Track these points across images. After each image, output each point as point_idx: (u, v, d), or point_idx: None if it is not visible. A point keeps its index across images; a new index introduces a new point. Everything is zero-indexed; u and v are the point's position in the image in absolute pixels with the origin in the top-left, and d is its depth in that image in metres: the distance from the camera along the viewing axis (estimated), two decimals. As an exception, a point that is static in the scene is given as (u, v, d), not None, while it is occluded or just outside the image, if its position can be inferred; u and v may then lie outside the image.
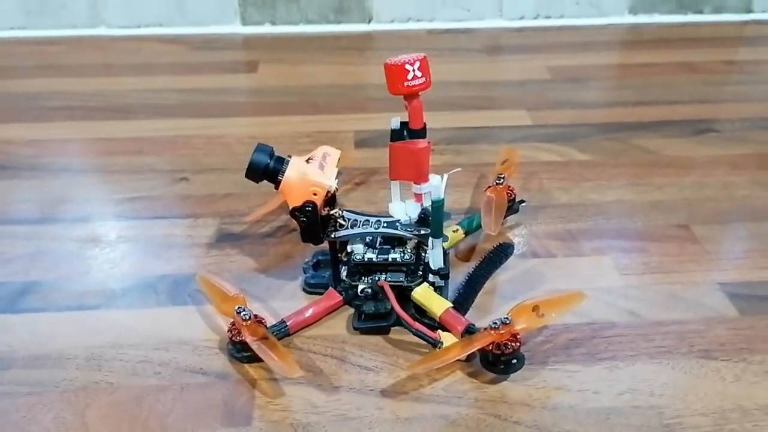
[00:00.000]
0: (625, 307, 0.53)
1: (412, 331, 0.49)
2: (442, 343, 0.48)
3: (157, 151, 0.75)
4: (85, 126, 0.81)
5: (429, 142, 0.51)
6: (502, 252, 0.55)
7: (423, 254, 0.52)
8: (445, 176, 0.51)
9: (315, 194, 0.49)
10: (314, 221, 0.49)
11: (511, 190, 0.62)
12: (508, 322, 0.47)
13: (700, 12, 1.09)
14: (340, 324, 0.52)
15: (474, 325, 0.49)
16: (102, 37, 1.05)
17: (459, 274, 0.54)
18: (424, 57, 0.48)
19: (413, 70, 0.47)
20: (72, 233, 0.62)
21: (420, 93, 0.50)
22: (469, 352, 0.47)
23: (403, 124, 0.50)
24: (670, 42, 1.02)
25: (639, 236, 0.61)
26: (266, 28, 1.07)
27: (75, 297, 0.55)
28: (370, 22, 1.07)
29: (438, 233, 0.51)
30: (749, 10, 1.09)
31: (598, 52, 1.00)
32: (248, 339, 0.46)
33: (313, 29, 1.07)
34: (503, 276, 0.56)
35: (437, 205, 0.49)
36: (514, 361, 0.47)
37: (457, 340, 0.48)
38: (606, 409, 0.45)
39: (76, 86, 0.90)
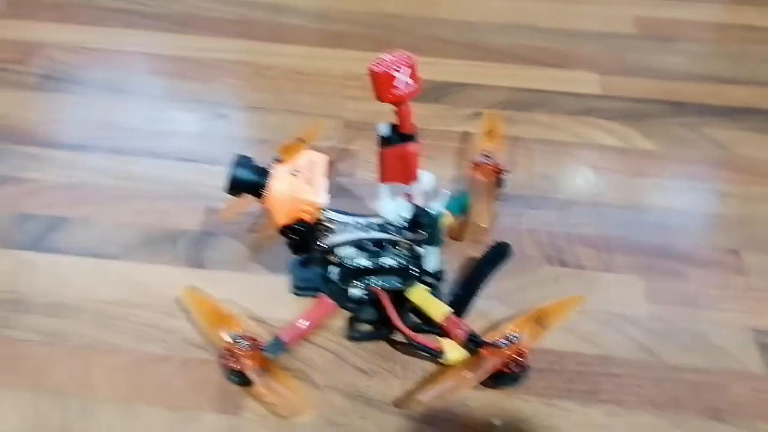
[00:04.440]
0: (643, 343, 0.50)
1: (413, 345, 0.48)
2: (444, 354, 0.47)
3: (202, 76, 0.73)
4: (138, 36, 0.79)
5: (418, 146, 0.47)
6: (499, 253, 0.53)
7: (417, 255, 0.50)
8: (433, 176, 0.49)
9: (305, 212, 0.46)
10: (305, 240, 0.47)
11: (500, 170, 0.58)
12: (516, 340, 0.46)
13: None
14: (342, 314, 0.51)
15: (477, 335, 0.48)
16: None
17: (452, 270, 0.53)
18: (412, 59, 0.44)
19: (401, 76, 0.43)
20: (107, 166, 0.63)
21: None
22: (481, 380, 0.45)
23: (393, 127, 0.46)
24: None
25: (681, 257, 0.57)
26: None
27: (97, 242, 0.56)
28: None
29: (436, 242, 0.49)
30: None
31: (699, 2, 0.89)
32: (248, 371, 0.45)
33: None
34: (517, 281, 0.54)
35: (436, 220, 0.48)
36: (519, 374, 0.46)
37: (458, 347, 0.47)
38: (591, 461, 0.44)
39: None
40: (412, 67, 0.44)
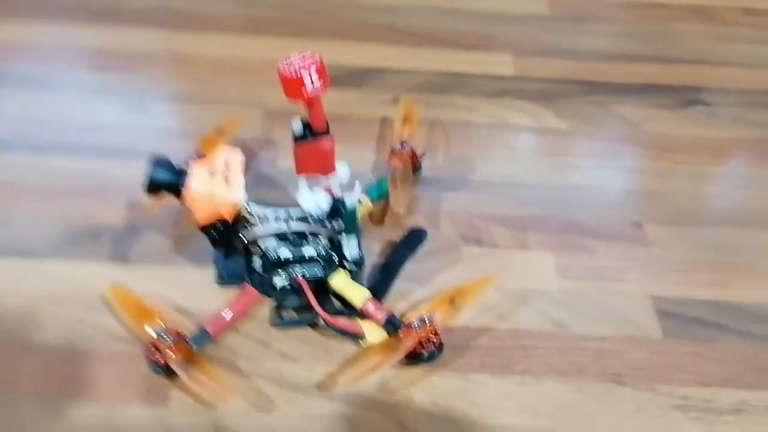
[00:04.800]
0: (553, 316, 0.53)
1: (333, 329, 0.50)
2: (364, 336, 0.49)
3: (123, 68, 0.73)
4: (57, 27, 0.78)
5: (332, 140, 0.49)
6: (415, 238, 0.56)
7: (337, 243, 0.52)
8: (348, 166, 0.51)
9: (225, 211, 0.48)
10: (226, 236, 0.49)
11: (416, 156, 0.61)
12: (431, 321, 0.48)
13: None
14: (266, 303, 0.53)
15: (395, 317, 0.50)
16: None
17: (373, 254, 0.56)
18: (319, 59, 0.45)
19: (310, 76, 0.44)
20: (28, 162, 0.62)
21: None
22: (397, 361, 0.48)
23: (306, 124, 0.48)
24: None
25: (589, 232, 0.60)
26: None
27: (22, 240, 0.56)
28: None
29: (353, 230, 0.51)
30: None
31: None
32: (173, 364, 0.46)
33: None
34: (436, 262, 0.56)
35: (351, 211, 0.50)
36: (434, 353, 0.49)
37: (377, 329, 0.50)
38: (503, 427, 0.47)
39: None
40: (319, 66, 0.45)
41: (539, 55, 0.79)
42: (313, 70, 0.45)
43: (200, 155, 0.58)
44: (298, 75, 0.45)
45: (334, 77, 0.72)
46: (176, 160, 0.55)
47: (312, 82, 0.45)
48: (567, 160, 0.67)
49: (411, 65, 0.76)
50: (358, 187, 0.52)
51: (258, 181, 0.61)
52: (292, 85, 0.45)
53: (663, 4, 0.88)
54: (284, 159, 0.64)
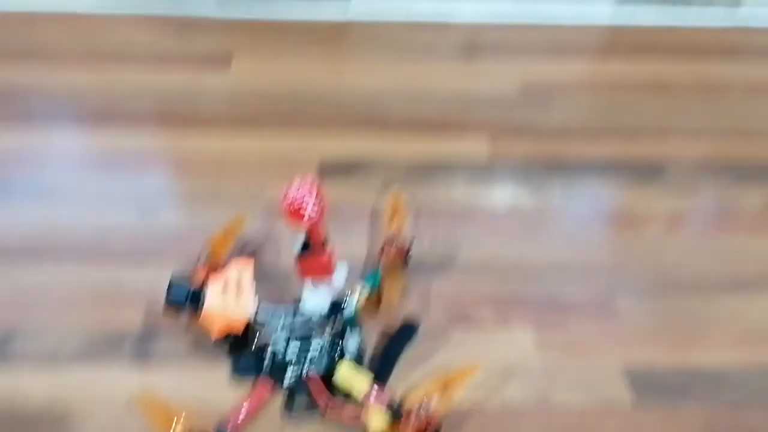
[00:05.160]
0: (535, 390, 0.59)
1: (340, 420, 0.55)
2: (369, 424, 0.55)
3: (129, 170, 0.79)
4: (63, 132, 0.84)
5: (330, 251, 0.56)
6: (408, 330, 0.62)
7: (340, 338, 0.58)
8: (346, 267, 0.58)
9: (236, 325, 0.54)
10: (238, 345, 0.55)
11: (405, 249, 0.67)
12: (428, 408, 0.54)
13: (689, 4, 1.08)
14: (279, 396, 0.58)
15: (396, 404, 0.55)
16: (77, 14, 1.05)
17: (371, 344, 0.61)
18: (318, 188, 0.52)
19: (309, 206, 0.51)
20: (48, 272, 0.68)
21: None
22: None
23: (306, 239, 0.55)
24: (650, 51, 1.02)
25: (563, 306, 0.66)
26: (243, 11, 1.06)
27: (49, 351, 0.61)
28: (348, 11, 1.07)
29: (353, 327, 0.58)
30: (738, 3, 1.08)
31: (574, 60, 1.00)
32: None
33: (290, 14, 1.06)
34: (428, 345, 0.62)
35: (351, 316, 0.57)
36: None
37: (381, 416, 0.55)
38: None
39: (54, 80, 0.92)
40: (317, 195, 0.52)
41: (512, 135, 0.86)
42: (311, 201, 0.51)
43: (211, 258, 0.64)
44: (300, 206, 0.51)
45: (325, 169, 0.80)
46: (190, 270, 0.62)
47: (312, 211, 0.51)
48: (542, 239, 0.73)
49: (395, 153, 0.83)
50: (357, 290, 0.58)
51: (262, 276, 0.67)
52: (295, 215, 0.52)
53: (621, 79, 0.96)
54: (286, 253, 0.70)
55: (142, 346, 0.62)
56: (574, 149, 0.84)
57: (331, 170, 0.80)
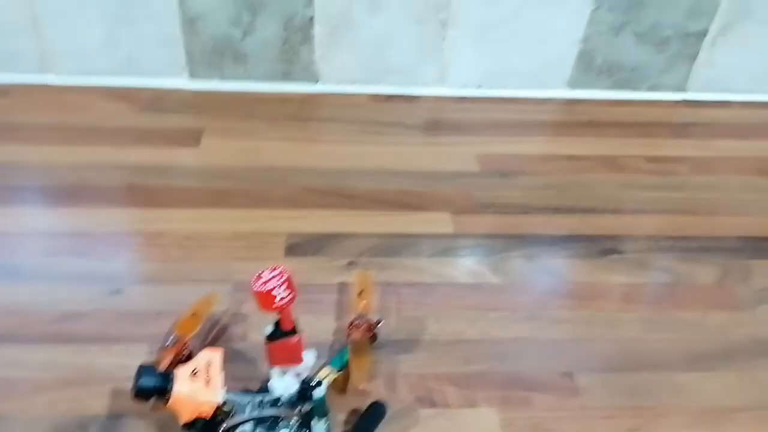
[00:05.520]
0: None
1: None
2: None
3: (96, 251, 0.80)
4: (30, 213, 0.84)
5: (299, 337, 0.57)
6: (375, 412, 0.62)
7: (308, 422, 0.59)
8: (314, 352, 0.59)
9: (205, 410, 0.55)
10: (207, 430, 0.55)
11: (373, 328, 0.68)
12: None
13: (637, 89, 1.14)
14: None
15: None
16: (52, 86, 1.06)
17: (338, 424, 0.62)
18: (288, 275, 0.54)
19: (280, 293, 0.53)
20: (15, 357, 0.67)
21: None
22: None
23: (276, 325, 0.57)
24: (603, 126, 1.07)
25: (527, 384, 0.68)
26: (214, 84, 1.09)
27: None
28: (316, 83, 1.10)
29: (322, 414, 0.58)
30: (684, 89, 1.15)
31: (531, 136, 1.05)
32: None
33: (260, 87, 1.09)
34: (395, 426, 0.63)
35: (319, 402, 0.58)
36: None
37: None
38: None
39: (25, 156, 0.92)
40: (287, 280, 0.53)
41: (473, 212, 0.89)
42: (282, 287, 0.53)
43: (178, 340, 0.65)
44: (270, 292, 0.53)
45: (293, 245, 0.82)
46: (158, 352, 0.62)
47: (281, 297, 0.53)
48: (504, 314, 0.75)
49: (361, 228, 0.85)
50: (325, 373, 0.59)
51: (230, 357, 0.67)
52: (266, 300, 0.53)
53: (577, 155, 1.01)
54: (254, 333, 0.71)
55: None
56: (534, 225, 0.88)
57: (298, 247, 0.82)
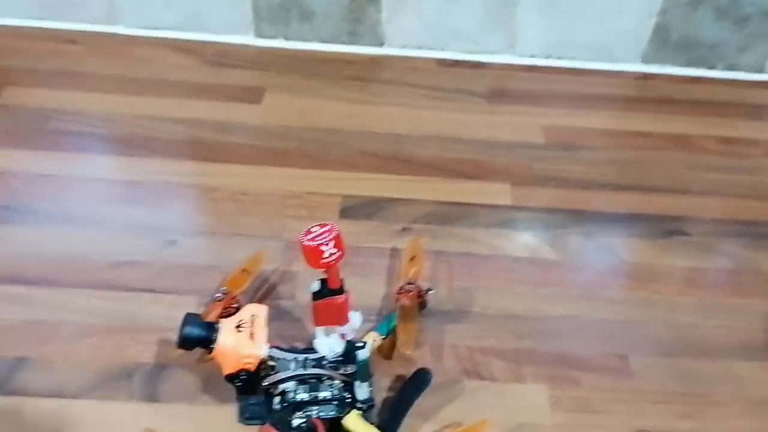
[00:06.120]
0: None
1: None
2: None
3: (152, 201, 0.80)
4: (88, 160, 0.85)
5: (346, 297, 0.56)
6: (422, 380, 0.61)
7: (350, 385, 0.58)
8: (360, 314, 0.58)
9: (248, 363, 0.54)
10: (250, 384, 0.55)
11: (423, 295, 0.67)
12: None
13: (713, 68, 1.08)
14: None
15: None
16: (119, 36, 1.07)
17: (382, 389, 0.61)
18: (337, 232, 0.53)
19: (328, 249, 0.52)
20: (64, 300, 0.68)
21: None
22: None
23: (323, 283, 0.55)
24: (675, 104, 1.02)
25: (577, 363, 0.66)
26: (279, 42, 1.08)
27: (58, 382, 0.62)
28: (382, 45, 1.08)
29: (365, 377, 0.58)
30: (762, 70, 1.08)
31: (599, 110, 1.00)
32: None
33: (325, 47, 1.08)
34: (440, 396, 0.62)
35: (362, 364, 0.57)
36: None
37: None
38: None
39: (89, 104, 0.93)
40: (337, 239, 0.52)
41: (534, 184, 0.86)
42: (331, 244, 0.52)
43: (227, 295, 0.65)
44: (318, 248, 0.52)
45: (347, 207, 0.81)
46: (206, 305, 0.62)
47: (330, 254, 0.52)
48: (558, 291, 0.73)
49: (417, 195, 0.83)
50: (372, 336, 0.59)
51: (277, 315, 0.67)
52: (313, 256, 0.52)
53: (645, 132, 0.96)
54: (302, 293, 0.70)
55: (150, 383, 0.62)
56: (596, 201, 0.84)
57: (352, 210, 0.81)
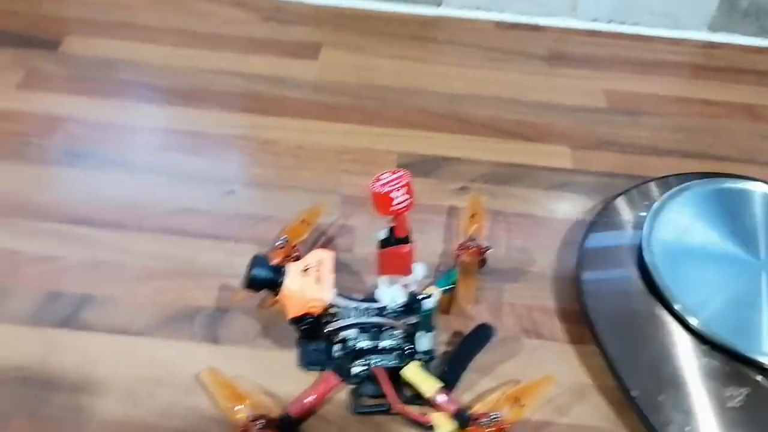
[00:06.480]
0: (607, 413, 0.58)
1: (405, 418, 0.55)
2: (435, 427, 0.54)
3: (209, 153, 0.80)
4: (148, 110, 0.86)
5: (411, 247, 0.55)
6: (483, 334, 0.60)
7: (411, 335, 0.58)
8: (425, 266, 0.57)
9: (313, 308, 0.54)
10: (313, 329, 0.55)
11: (482, 251, 0.66)
12: (498, 418, 0.53)
13: (784, 36, 1.04)
14: (345, 388, 0.58)
15: (464, 411, 0.55)
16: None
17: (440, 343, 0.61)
18: (407, 181, 0.52)
19: (398, 196, 0.51)
20: (126, 244, 0.69)
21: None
22: None
23: (390, 231, 0.55)
24: (742, 73, 0.99)
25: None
26: (336, 0, 1.07)
27: (122, 320, 0.63)
28: (439, 5, 1.06)
29: (428, 328, 0.57)
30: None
31: (663, 76, 0.97)
32: None
33: (382, 6, 1.06)
34: (499, 353, 0.61)
35: (427, 314, 0.56)
36: None
37: (448, 421, 0.54)
38: None
39: (148, 55, 0.93)
40: (407, 185, 0.51)
41: (595, 148, 0.84)
42: (402, 191, 0.51)
43: (288, 244, 0.65)
44: (389, 194, 0.51)
45: (404, 165, 0.80)
46: (267, 250, 0.62)
47: (399, 200, 0.51)
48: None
49: (475, 155, 0.82)
50: (434, 289, 0.58)
51: (336, 268, 0.67)
52: (382, 203, 0.51)
53: (712, 101, 0.93)
54: (360, 246, 0.70)
55: (212, 325, 0.62)
56: (660, 168, 0.82)
57: (410, 167, 0.79)
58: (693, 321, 0.61)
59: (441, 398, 0.55)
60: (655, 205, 0.71)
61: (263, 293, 0.58)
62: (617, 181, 0.80)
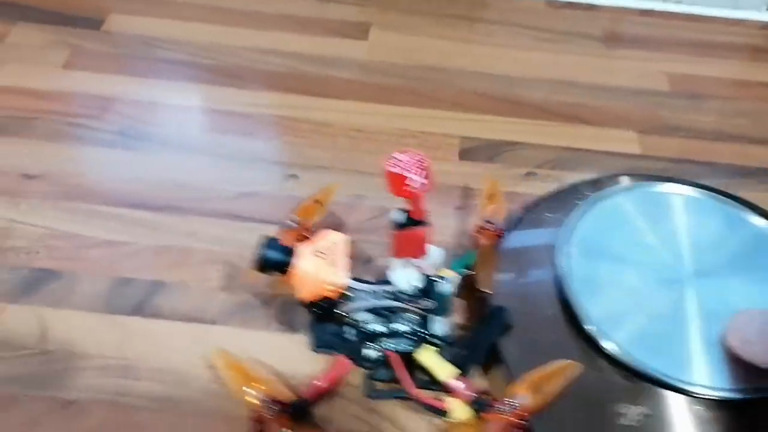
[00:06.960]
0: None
1: (420, 403, 0.53)
2: (450, 412, 0.52)
3: (264, 135, 0.78)
4: (197, 91, 0.83)
5: (426, 229, 0.54)
6: (501, 319, 0.57)
7: (426, 320, 0.56)
8: (441, 251, 0.56)
9: (329, 291, 0.52)
10: (327, 312, 0.53)
11: (501, 233, 0.64)
12: (517, 405, 0.50)
13: None
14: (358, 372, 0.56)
15: (482, 396, 0.52)
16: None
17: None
18: (426, 162, 0.50)
19: (413, 177, 0.49)
20: (190, 228, 0.67)
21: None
22: None
23: (407, 213, 0.53)
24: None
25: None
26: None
27: (194, 306, 0.61)
28: (487, -17, 1.03)
29: (444, 312, 0.55)
30: None
31: (724, 59, 0.94)
32: None
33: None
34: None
35: (444, 298, 0.55)
36: None
37: (463, 406, 0.52)
38: None
39: (191, 33, 0.90)
40: (425, 168, 0.49)
41: (661, 133, 0.82)
42: (417, 173, 0.49)
43: (300, 223, 0.62)
44: (403, 174, 0.49)
45: (466, 149, 0.77)
46: (278, 232, 0.60)
47: (416, 181, 0.49)
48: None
49: (538, 139, 0.79)
50: (450, 273, 0.56)
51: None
52: (397, 182, 0.50)
53: (773, 83, 0.90)
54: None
55: (290, 312, 0.60)
56: (727, 154, 0.79)
57: (472, 152, 0.77)
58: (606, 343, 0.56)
59: (457, 384, 0.53)
60: (581, 204, 0.66)
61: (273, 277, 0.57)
62: (685, 167, 0.77)
